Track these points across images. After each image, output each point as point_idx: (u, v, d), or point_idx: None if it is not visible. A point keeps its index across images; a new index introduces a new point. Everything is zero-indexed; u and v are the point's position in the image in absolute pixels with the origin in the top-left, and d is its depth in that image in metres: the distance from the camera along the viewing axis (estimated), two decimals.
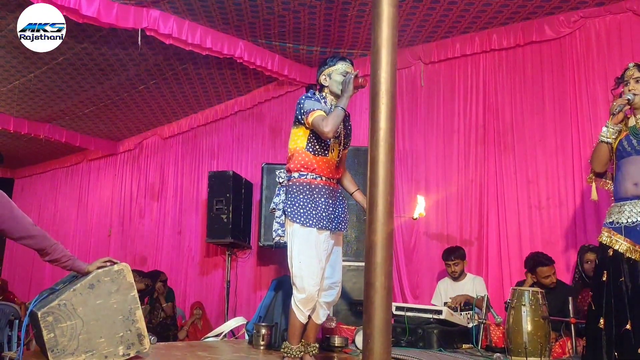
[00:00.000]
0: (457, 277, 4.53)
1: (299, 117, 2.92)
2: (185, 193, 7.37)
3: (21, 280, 9.42)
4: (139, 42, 4.67)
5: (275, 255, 5.91)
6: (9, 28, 5.00)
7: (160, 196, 7.71)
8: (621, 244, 2.83)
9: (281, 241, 3.01)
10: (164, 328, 5.69)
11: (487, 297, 3.83)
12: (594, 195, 3.13)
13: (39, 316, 2.49)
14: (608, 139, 2.97)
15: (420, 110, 5.41)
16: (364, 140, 4.87)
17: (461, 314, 4.06)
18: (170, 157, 7.73)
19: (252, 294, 6.28)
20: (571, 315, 3.43)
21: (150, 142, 8.12)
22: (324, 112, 2.85)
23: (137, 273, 5.54)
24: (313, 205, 2.86)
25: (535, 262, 4.05)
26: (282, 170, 3.07)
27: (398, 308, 3.79)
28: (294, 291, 2.89)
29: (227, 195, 5.84)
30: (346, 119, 3.06)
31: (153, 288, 5.87)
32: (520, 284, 4.14)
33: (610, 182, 3.07)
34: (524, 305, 3.38)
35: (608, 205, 3.06)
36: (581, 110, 4.51)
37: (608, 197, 3.14)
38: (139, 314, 2.68)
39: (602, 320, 2.81)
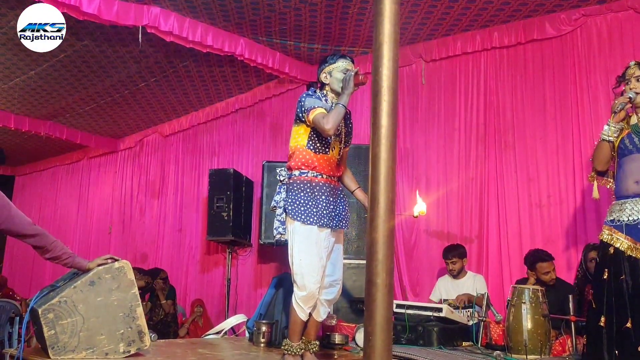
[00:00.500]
0: (456, 275, 4.54)
1: (300, 114, 2.92)
2: (186, 191, 7.37)
3: (22, 277, 9.43)
4: (140, 40, 4.66)
5: (275, 253, 5.91)
6: (10, 25, 4.99)
7: (161, 194, 7.71)
8: (622, 242, 2.83)
9: (282, 239, 3.00)
10: (164, 325, 5.69)
11: (487, 294, 3.83)
12: (596, 193, 3.13)
13: (40, 313, 2.49)
14: (610, 137, 2.97)
15: (421, 108, 5.41)
16: (364, 138, 4.92)
17: (461, 312, 4.06)
18: (171, 154, 7.73)
19: (252, 292, 6.29)
20: (571, 313, 3.43)
21: (151, 140, 8.12)
22: (325, 109, 2.85)
23: (137, 270, 5.55)
24: (314, 203, 2.86)
25: (535, 258, 4.06)
26: (283, 168, 3.07)
27: (398, 306, 3.78)
28: (295, 289, 2.88)
29: (228, 192, 5.84)
30: (347, 116, 3.06)
31: (153, 285, 5.88)
32: (521, 281, 4.13)
33: (611, 180, 3.07)
34: (524, 302, 3.39)
35: (609, 203, 3.06)
36: (582, 108, 4.51)
37: (609, 195, 3.14)
38: (140, 311, 2.68)
39: (602, 319, 2.81)
